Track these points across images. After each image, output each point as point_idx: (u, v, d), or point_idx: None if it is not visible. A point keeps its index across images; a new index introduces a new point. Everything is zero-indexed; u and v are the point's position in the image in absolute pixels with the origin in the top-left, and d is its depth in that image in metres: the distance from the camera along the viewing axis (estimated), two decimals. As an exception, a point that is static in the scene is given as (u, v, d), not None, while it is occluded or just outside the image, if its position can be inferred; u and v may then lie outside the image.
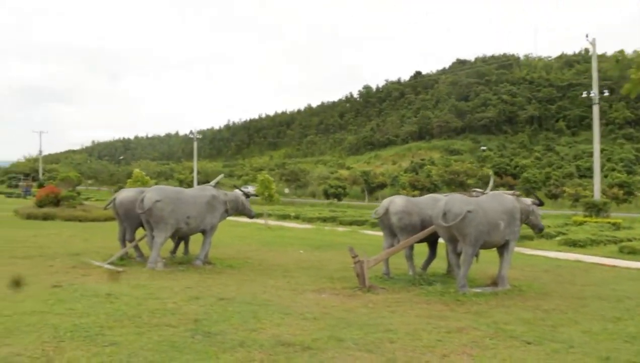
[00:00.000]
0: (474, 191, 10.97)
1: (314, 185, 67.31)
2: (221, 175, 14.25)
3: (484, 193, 10.54)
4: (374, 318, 7.33)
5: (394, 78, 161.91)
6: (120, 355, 5.19)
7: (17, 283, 8.40)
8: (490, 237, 9.43)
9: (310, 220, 29.64)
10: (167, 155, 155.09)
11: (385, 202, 11.06)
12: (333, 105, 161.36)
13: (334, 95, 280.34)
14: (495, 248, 10.10)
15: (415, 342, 6.16)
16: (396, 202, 10.76)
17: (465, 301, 8.64)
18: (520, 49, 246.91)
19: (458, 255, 9.67)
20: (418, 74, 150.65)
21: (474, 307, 8.26)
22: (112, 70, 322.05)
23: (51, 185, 33.74)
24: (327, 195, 55.87)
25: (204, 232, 11.88)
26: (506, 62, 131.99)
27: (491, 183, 11.99)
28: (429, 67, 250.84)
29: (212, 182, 12.79)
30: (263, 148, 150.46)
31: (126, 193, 12.13)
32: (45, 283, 8.86)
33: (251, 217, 13.18)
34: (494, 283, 9.97)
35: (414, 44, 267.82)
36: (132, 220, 11.95)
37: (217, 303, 7.72)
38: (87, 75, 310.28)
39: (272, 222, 27.26)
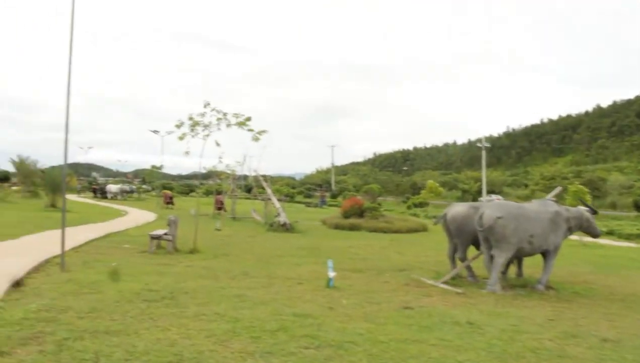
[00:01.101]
0: None
1: (613, 195, 60.48)
2: (558, 188, 12.77)
3: None
4: None
5: None
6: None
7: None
8: None
9: (628, 237, 26.04)
10: (445, 164, 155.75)
11: None
12: (628, 103, 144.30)
13: (628, 92, 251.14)
14: None
15: None
16: None
17: None
18: None
19: None
20: None
21: None
22: (389, 83, 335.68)
23: (354, 197, 35.51)
24: (638, 207, 49.14)
25: (545, 253, 10.59)
26: None
27: None
28: None
29: (550, 195, 11.45)
30: (546, 155, 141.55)
31: (458, 209, 11.44)
32: (392, 303, 8.51)
33: (596, 236, 11.48)
34: None
35: None
36: (465, 237, 11.21)
37: (603, 346, 6.40)
38: (369, 90, 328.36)
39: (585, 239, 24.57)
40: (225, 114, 14.06)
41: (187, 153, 14.56)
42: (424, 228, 26.12)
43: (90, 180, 68.26)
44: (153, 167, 59.05)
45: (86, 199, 50.01)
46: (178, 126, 13.97)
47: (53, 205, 31.21)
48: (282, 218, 22.92)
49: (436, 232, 21.78)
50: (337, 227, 25.65)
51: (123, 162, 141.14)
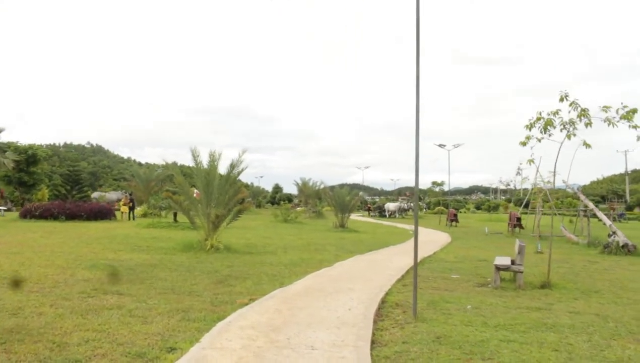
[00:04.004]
0: None
1: None
2: None
3: None
4: None
5: None
6: None
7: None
8: None
9: None
10: None
11: None
12: None
13: None
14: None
15: None
16: None
17: None
18: None
19: None
20: None
21: None
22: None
23: None
24: None
25: None
26: None
27: None
28: None
29: None
30: None
31: None
32: None
33: None
34: None
35: None
36: None
37: None
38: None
39: None
40: (584, 110, 10.38)
41: (531, 161, 11.33)
42: None
43: (360, 199, 69.76)
44: (434, 183, 57.53)
45: (363, 218, 50.16)
46: (528, 127, 10.75)
47: (342, 226, 30.51)
48: (622, 239, 18.21)
49: None
50: None
51: (395, 181, 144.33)
